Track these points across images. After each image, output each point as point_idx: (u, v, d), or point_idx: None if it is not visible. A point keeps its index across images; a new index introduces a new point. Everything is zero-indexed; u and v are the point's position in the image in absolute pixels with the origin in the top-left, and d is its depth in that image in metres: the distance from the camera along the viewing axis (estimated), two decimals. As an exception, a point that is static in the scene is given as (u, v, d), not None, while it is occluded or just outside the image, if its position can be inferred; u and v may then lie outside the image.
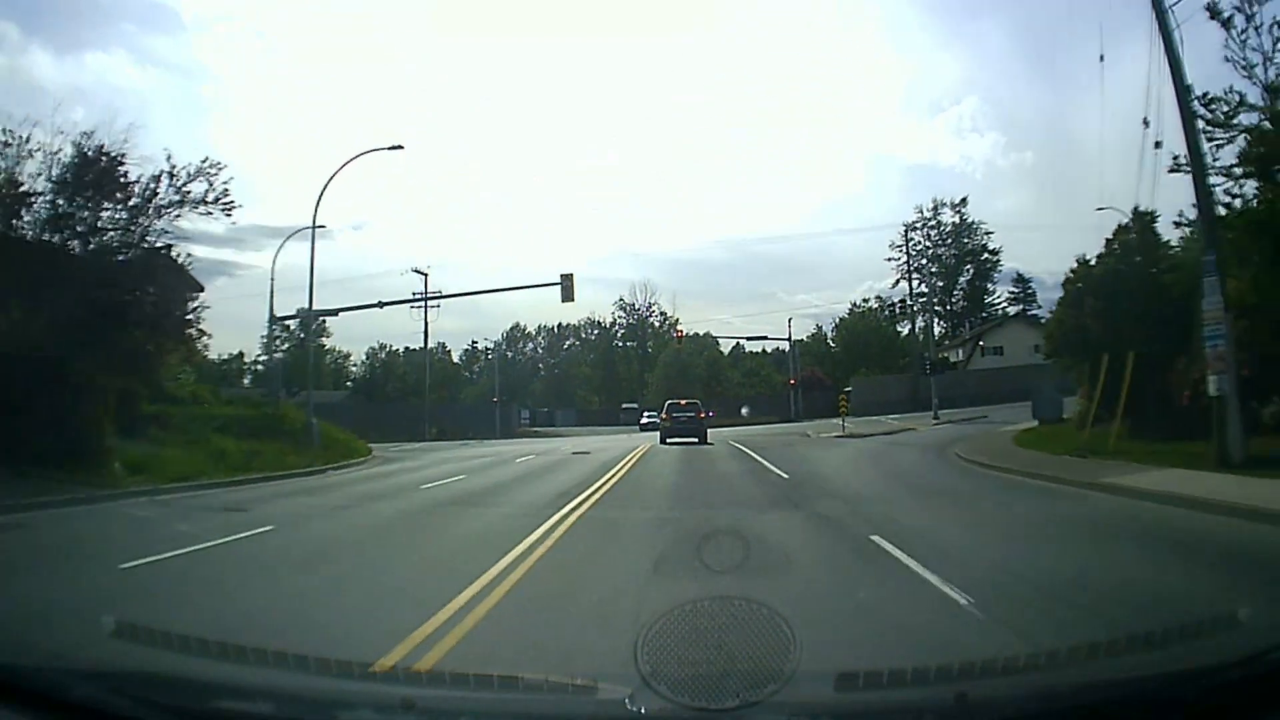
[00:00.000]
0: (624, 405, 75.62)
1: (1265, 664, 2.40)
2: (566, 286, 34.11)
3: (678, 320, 72.84)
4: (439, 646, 4.87)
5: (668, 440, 30.86)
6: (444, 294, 48.02)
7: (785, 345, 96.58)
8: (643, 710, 2.40)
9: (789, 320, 63.60)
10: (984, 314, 79.40)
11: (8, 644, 4.26)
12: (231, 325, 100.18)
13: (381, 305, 40.80)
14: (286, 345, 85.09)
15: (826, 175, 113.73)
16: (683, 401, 34.55)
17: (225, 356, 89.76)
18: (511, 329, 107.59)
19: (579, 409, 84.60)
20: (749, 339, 67.41)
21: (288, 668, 3.41)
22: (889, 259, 71.72)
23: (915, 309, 63.37)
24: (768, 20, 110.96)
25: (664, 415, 33.18)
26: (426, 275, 53.31)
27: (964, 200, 78.19)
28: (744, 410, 56.18)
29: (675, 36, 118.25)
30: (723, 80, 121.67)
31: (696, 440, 30.24)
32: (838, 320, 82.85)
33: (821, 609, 5.58)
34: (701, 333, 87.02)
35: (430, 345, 62.33)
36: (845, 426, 34.58)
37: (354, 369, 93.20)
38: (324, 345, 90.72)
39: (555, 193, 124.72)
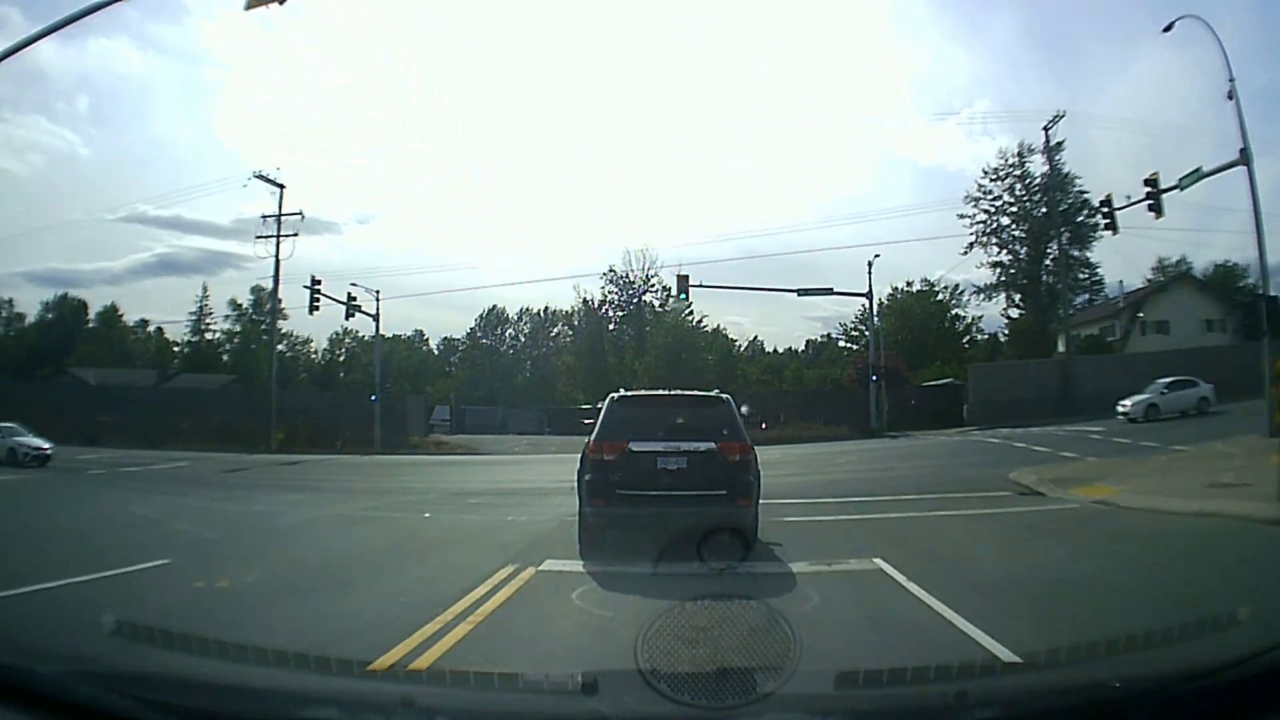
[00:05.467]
0: (597, 405, 29.36)
1: (1265, 664, 2.39)
2: None
3: (686, 280, 40.94)
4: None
5: (610, 533, 9.32)
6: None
7: (820, 333, 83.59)
8: (643, 709, 2.39)
9: (869, 261, 43.88)
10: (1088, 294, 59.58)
11: (8, 644, 4.26)
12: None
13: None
14: (238, 323, 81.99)
15: (833, 178, 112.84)
16: (663, 393, 11.12)
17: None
18: (488, 312, 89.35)
19: (560, 407, 61.66)
20: (803, 293, 44.66)
21: (287, 666, 3.41)
22: (961, 215, 58.42)
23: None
24: (769, 20, 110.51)
25: (597, 446, 9.16)
26: (283, 187, 38.46)
27: (1060, 145, 51.37)
28: (744, 409, 19.20)
29: (676, 37, 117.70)
30: (724, 79, 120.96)
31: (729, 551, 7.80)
32: (882, 301, 67.22)
33: None
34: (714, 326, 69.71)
35: (406, 334, 51.00)
36: None
37: (314, 357, 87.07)
38: (279, 329, 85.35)
39: (555, 194, 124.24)
